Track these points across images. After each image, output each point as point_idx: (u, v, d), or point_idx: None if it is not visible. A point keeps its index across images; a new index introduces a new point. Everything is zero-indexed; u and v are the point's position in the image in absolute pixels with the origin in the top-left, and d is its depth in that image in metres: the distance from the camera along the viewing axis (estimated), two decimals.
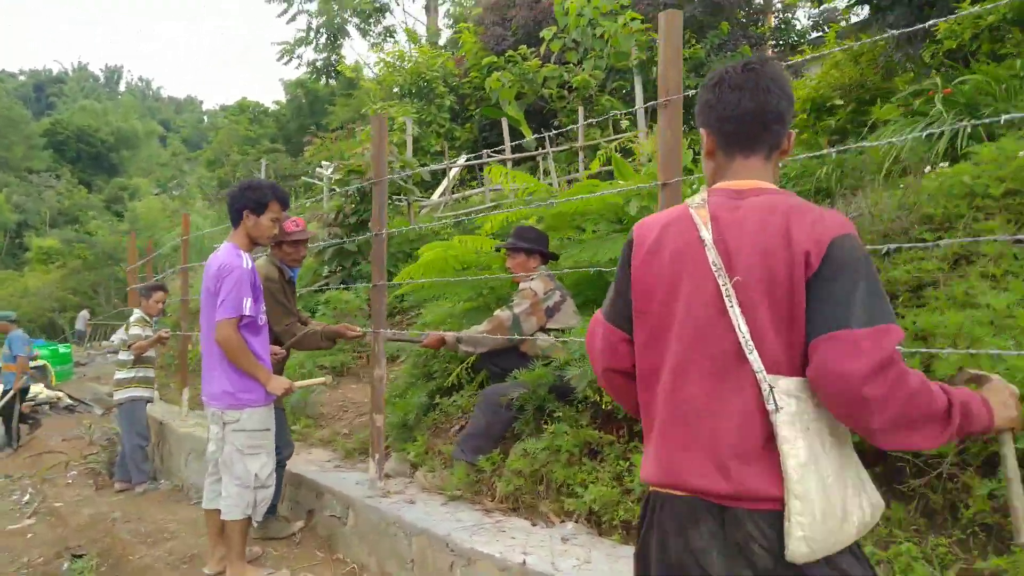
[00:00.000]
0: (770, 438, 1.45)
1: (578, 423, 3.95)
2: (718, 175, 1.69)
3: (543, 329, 4.40)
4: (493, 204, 9.56)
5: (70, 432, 10.60)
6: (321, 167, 13.62)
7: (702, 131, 1.70)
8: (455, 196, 10.91)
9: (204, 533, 4.96)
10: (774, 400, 1.44)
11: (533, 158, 11.27)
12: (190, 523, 5.20)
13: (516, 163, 12.31)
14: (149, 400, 7.15)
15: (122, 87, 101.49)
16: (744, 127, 1.63)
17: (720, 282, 1.51)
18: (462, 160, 11.71)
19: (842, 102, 7.31)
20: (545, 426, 4.13)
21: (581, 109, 10.45)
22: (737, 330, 1.48)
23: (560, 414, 4.01)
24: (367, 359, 7.20)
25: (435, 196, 11.04)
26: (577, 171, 10.39)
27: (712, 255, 1.53)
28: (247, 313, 3.66)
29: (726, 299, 1.50)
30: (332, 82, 27.67)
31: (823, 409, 1.46)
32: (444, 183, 11.60)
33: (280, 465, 4.40)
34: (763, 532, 1.45)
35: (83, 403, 13.50)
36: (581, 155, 10.32)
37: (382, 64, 15.57)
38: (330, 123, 24.78)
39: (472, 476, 4.11)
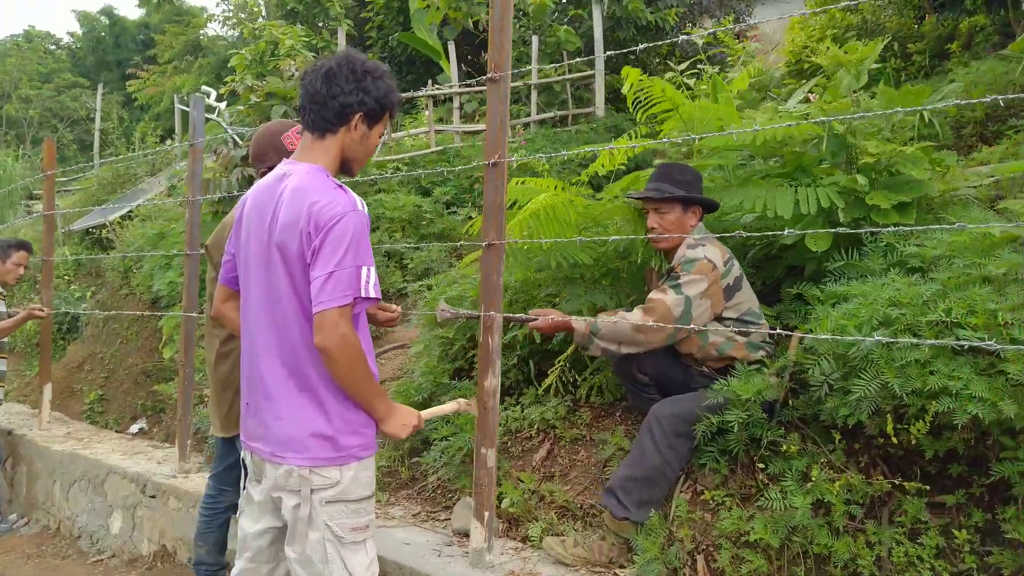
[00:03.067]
0: None
1: (829, 463, 2.60)
2: None
3: (718, 318, 2.94)
4: (439, 148, 7.86)
5: None
6: (201, 93, 11.09)
7: None
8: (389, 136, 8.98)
9: None
10: None
11: (448, 98, 9.52)
12: None
13: (437, 101, 10.61)
14: None
15: None
16: None
17: None
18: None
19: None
20: (759, 466, 2.74)
21: (536, 39, 8.81)
22: None
23: (789, 448, 2.63)
24: None
25: None
26: (528, 114, 8.78)
27: None
28: (370, 295, 1.93)
29: None
30: (163, 7, 23.77)
31: None
32: None
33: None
34: None
35: None
36: (535, 94, 8.73)
37: None
38: (160, 55, 21.25)
39: (660, 548, 2.64)
